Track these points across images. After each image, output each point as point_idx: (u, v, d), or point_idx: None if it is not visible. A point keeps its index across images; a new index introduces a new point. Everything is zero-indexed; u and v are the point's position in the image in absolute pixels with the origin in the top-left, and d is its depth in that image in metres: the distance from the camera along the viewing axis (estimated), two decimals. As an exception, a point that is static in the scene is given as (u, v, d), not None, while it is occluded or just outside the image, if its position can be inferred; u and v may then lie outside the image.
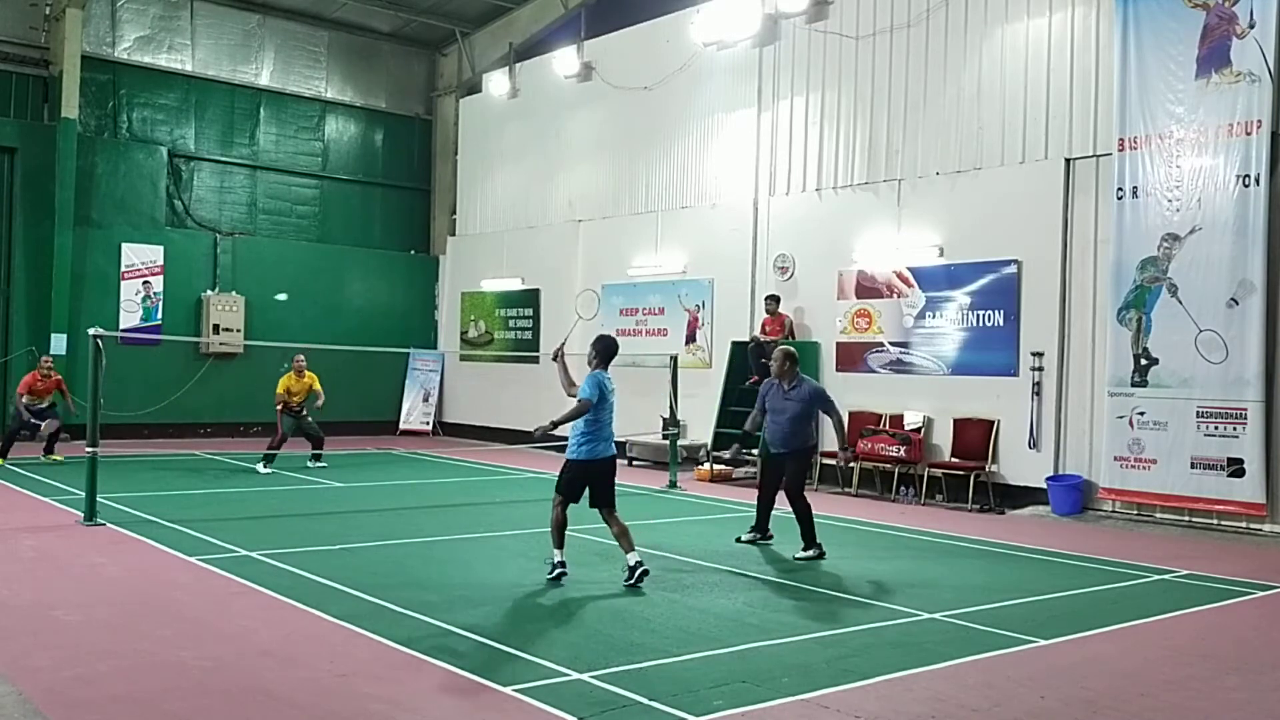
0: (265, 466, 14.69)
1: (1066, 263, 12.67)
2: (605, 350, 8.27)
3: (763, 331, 15.26)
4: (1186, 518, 11.59)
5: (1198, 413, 11.36)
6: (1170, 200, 11.64)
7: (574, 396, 8.20)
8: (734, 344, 15.79)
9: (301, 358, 15.47)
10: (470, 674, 5.55)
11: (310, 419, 15.44)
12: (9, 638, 6.12)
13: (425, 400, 21.76)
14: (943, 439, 13.58)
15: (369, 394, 20.77)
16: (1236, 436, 11.09)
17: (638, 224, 18.04)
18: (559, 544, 7.98)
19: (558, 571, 7.90)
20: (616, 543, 8.04)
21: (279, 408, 15.24)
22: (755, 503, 10.07)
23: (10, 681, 5.24)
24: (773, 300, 15.17)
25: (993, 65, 13.40)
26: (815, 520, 9.40)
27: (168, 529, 9.80)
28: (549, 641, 6.26)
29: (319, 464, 15.19)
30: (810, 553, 9.24)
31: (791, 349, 10.13)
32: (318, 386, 15.50)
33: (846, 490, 14.13)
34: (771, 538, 9.89)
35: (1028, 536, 10.81)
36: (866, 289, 14.54)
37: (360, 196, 21.95)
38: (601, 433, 8.05)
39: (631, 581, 7.74)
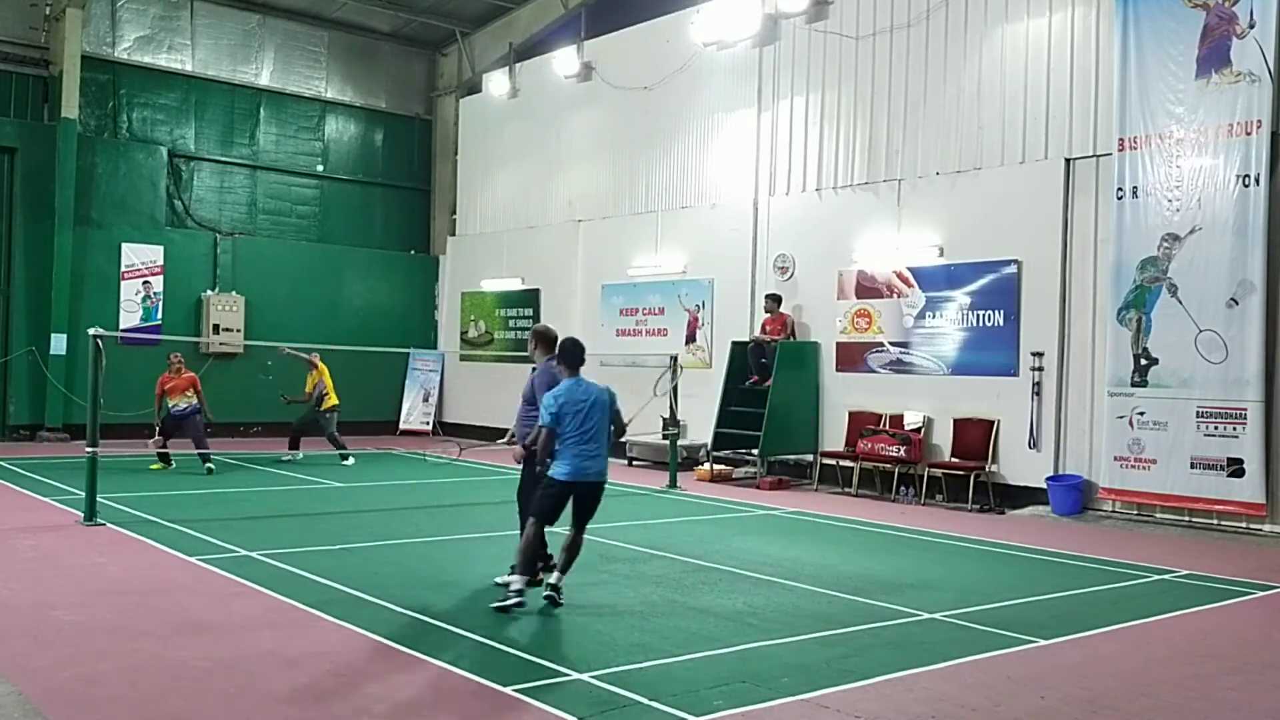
0: (295, 455, 16.08)
1: (1066, 263, 12.67)
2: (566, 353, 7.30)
3: (763, 331, 15.26)
4: (1186, 518, 11.59)
5: (1198, 413, 11.35)
6: (1170, 200, 11.64)
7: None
8: (734, 344, 15.78)
9: (316, 355, 16.45)
10: (470, 674, 5.55)
11: (328, 417, 16.32)
12: (9, 638, 6.12)
13: (425, 400, 21.76)
14: (943, 439, 13.57)
15: (369, 394, 20.76)
16: (1236, 436, 11.08)
17: (638, 224, 18.04)
18: (532, 571, 7.18)
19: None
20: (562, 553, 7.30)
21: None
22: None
23: (10, 681, 5.24)
24: (773, 300, 15.17)
25: (993, 65, 13.40)
26: (812, 520, 9.34)
27: (168, 529, 9.80)
28: (549, 641, 6.26)
29: (347, 463, 15.86)
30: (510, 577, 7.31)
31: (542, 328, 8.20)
32: (326, 380, 16.37)
33: (846, 490, 14.14)
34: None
35: (1028, 536, 10.81)
36: (866, 289, 14.54)
37: (360, 196, 21.95)
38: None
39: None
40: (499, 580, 7.53)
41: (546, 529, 7.35)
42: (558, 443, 7.09)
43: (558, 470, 7.11)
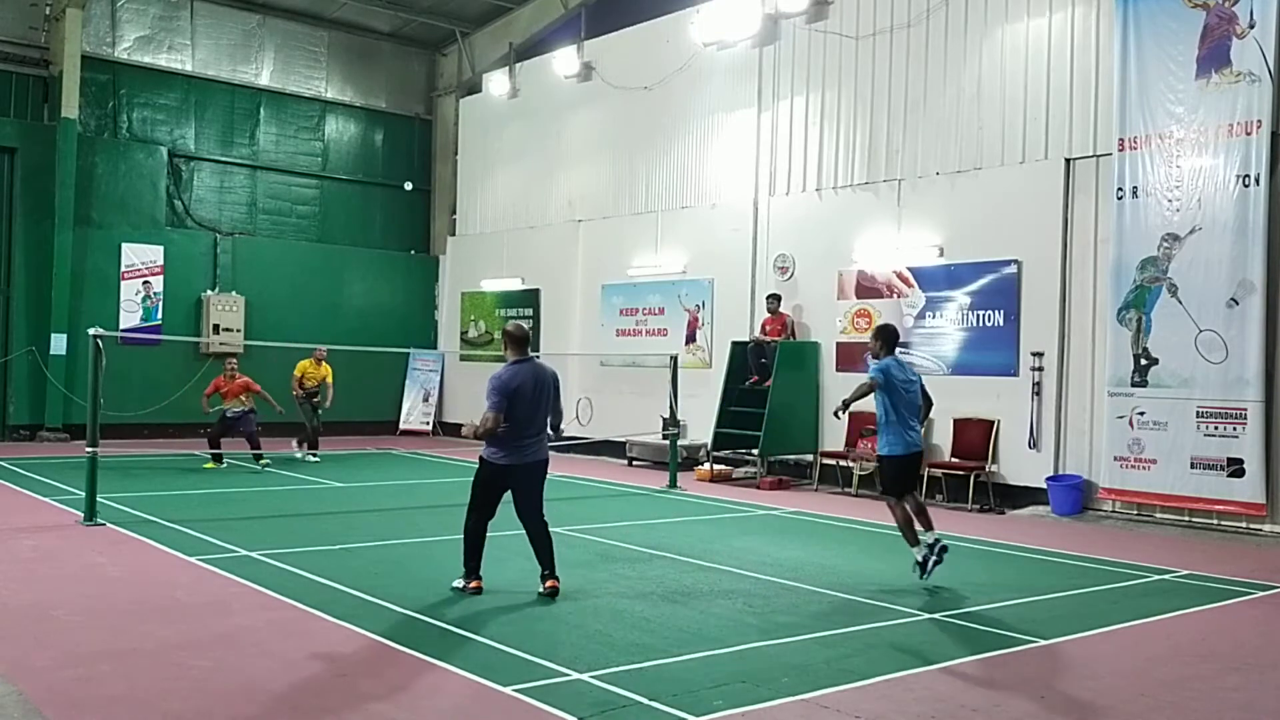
0: (306, 452, 16.01)
1: (1066, 263, 12.67)
2: (888, 337, 8.46)
3: (763, 331, 15.27)
4: (1186, 518, 11.59)
5: (1198, 413, 11.35)
6: (1170, 200, 11.64)
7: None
8: (734, 344, 15.78)
9: (322, 349, 16.49)
10: (470, 674, 5.55)
11: (319, 416, 16.50)
12: (9, 638, 6.12)
13: (425, 400, 21.77)
14: (943, 439, 13.57)
15: (369, 394, 20.76)
16: (1236, 436, 11.08)
17: (638, 224, 18.04)
18: (914, 541, 8.07)
19: (927, 561, 7.96)
20: (915, 519, 8.15)
21: (295, 393, 16.27)
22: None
23: (10, 681, 5.24)
24: (773, 299, 15.17)
25: (993, 65, 13.40)
26: (812, 520, 9.35)
27: (168, 529, 9.80)
28: (549, 641, 6.26)
29: (313, 459, 15.98)
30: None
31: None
32: (330, 380, 16.51)
33: (846, 490, 14.14)
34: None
35: (1028, 536, 10.81)
36: (866, 289, 14.54)
37: (360, 196, 21.95)
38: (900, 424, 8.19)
39: (934, 559, 7.92)
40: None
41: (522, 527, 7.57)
42: (888, 422, 8.10)
43: (893, 449, 8.12)
